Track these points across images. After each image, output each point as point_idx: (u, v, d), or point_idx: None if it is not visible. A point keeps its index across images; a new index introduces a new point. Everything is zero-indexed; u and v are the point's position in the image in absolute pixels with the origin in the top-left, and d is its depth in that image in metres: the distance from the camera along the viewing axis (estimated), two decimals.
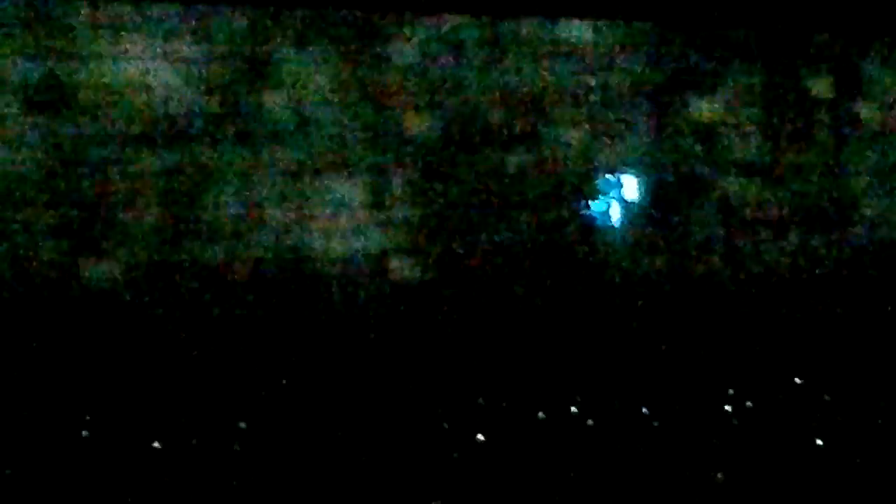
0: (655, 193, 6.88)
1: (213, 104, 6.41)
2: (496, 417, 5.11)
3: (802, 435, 4.85)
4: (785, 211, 7.11)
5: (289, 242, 6.51)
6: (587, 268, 6.77)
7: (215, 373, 6.09)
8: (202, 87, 6.39)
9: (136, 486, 3.96)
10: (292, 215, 6.53)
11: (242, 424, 4.95)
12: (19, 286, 6.29)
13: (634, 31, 6.90)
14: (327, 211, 6.57)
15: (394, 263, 6.61)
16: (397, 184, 6.62)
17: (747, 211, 7.04)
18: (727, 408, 5.44)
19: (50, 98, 6.27)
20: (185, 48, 6.39)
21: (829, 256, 7.07)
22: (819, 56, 7.09)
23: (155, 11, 6.36)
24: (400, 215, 6.65)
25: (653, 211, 6.70)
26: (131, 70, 6.32)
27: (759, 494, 3.78)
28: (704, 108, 7.02)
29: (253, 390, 5.70)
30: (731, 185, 7.02)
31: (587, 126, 6.83)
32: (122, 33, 6.31)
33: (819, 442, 4.48)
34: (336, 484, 4.08)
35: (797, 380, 5.88)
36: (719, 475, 3.88)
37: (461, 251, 6.67)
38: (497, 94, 6.72)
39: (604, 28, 6.85)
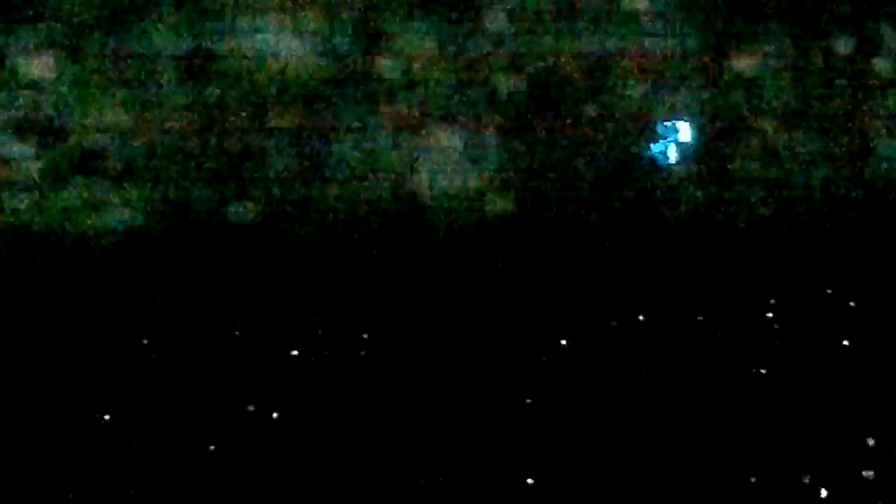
0: (706, 136, 7.88)
1: (336, 69, 7.30)
2: (573, 323, 6.24)
3: (829, 338, 6.05)
4: (812, 148, 8.02)
5: (401, 183, 7.51)
6: (647, 198, 7.78)
7: (342, 292, 7.00)
8: (326, 55, 7.33)
9: (275, 382, 5.01)
10: (403, 161, 7.45)
11: (365, 335, 5.95)
12: (176, 225, 7.26)
13: None
14: (432, 157, 7.42)
15: (488, 198, 7.51)
16: (490, 133, 7.48)
17: (780, 149, 7.99)
18: (769, 314, 6.57)
19: (198, 67, 7.13)
20: (311, 22, 7.24)
21: (849, 188, 8.07)
22: (841, 18, 7.87)
23: None
24: (493, 159, 7.61)
25: (703, 150, 7.70)
26: (266, 41, 7.18)
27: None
28: (745, 64, 7.76)
29: (374, 306, 6.75)
30: (768, 127, 7.81)
31: (647, 80, 7.65)
32: (258, 10, 7.15)
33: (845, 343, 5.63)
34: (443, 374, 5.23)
35: (828, 290, 7.02)
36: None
37: (545, 187, 7.66)
38: (572, 55, 7.56)
39: None
